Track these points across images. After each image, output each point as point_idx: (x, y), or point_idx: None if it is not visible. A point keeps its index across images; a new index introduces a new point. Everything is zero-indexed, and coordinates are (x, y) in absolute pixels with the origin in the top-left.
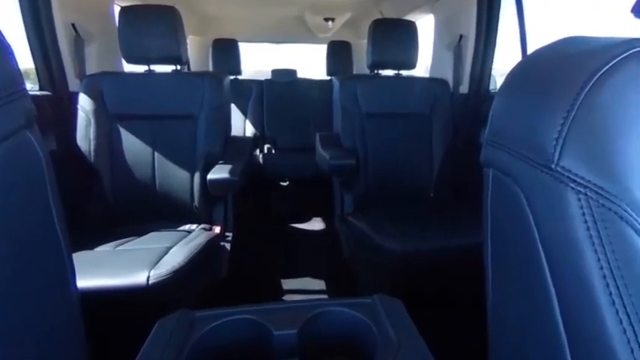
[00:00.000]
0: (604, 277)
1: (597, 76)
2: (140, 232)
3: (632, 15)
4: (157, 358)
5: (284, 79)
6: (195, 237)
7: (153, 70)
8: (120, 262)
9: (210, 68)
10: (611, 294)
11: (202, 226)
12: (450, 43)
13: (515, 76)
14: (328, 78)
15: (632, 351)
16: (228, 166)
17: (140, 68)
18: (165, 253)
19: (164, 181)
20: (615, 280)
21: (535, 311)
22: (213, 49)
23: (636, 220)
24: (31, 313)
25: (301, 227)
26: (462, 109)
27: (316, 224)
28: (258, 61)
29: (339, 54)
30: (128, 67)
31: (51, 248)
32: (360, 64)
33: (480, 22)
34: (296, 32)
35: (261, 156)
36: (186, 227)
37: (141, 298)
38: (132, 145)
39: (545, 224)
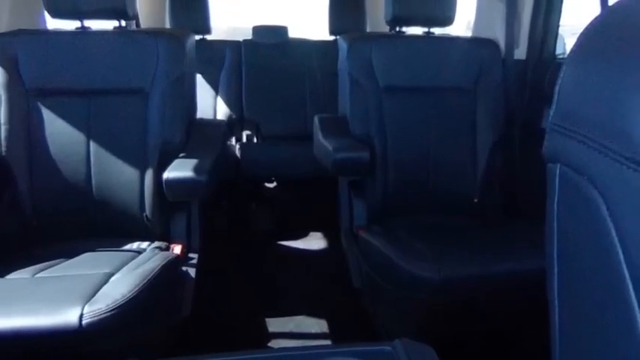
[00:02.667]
0: None
1: None
2: (69, 253)
3: None
4: None
5: (270, 39)
6: (146, 259)
7: (88, 28)
8: (41, 294)
9: (167, 25)
10: None
11: (157, 244)
12: None
13: (593, 35)
14: (332, 38)
15: None
16: (193, 161)
17: (70, 25)
18: (105, 282)
19: (103, 181)
20: None
21: (623, 350)
22: None
23: None
24: None
25: (294, 246)
26: (519, 81)
27: (315, 242)
28: (234, 14)
29: (346, 5)
30: (53, 24)
31: None
32: (377, 18)
33: None
34: None
35: (238, 147)
36: (134, 246)
37: (71, 345)
38: (58, 131)
39: (635, 242)
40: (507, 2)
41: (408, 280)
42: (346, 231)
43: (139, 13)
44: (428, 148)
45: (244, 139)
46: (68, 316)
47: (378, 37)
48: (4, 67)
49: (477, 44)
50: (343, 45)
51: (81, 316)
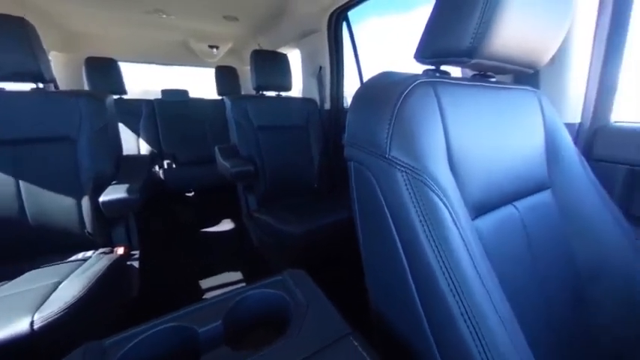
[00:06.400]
0: (421, 222)
1: (402, 98)
2: (13, 275)
3: (414, 59)
4: None
5: (175, 98)
6: (92, 264)
7: (2, 89)
8: None
9: (86, 88)
10: (425, 231)
11: (101, 250)
12: (313, 72)
13: (358, 97)
14: (220, 97)
15: (441, 267)
16: (124, 186)
17: None
18: (53, 290)
19: (39, 212)
20: (427, 223)
21: (389, 254)
22: (87, 67)
23: (432, 185)
24: None
25: (212, 230)
26: (328, 120)
27: (226, 225)
28: (146, 81)
29: (227, 77)
30: None
31: None
32: (246, 85)
33: (331, 58)
34: (183, 56)
35: (161, 171)
36: (80, 256)
37: (27, 348)
38: None
39: (387, 195)
40: (317, 79)
41: (285, 235)
42: (245, 214)
43: (58, 79)
44: (286, 160)
45: (165, 166)
46: (19, 326)
47: (250, 97)
48: None
49: (306, 101)
50: (228, 102)
51: (32, 322)
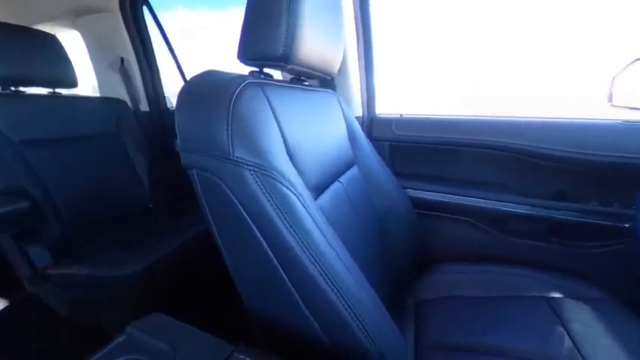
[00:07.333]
0: (277, 213)
1: (234, 98)
2: None
3: (238, 60)
4: None
5: None
6: None
7: None
8: None
9: None
10: (282, 220)
11: None
12: (112, 64)
13: (185, 96)
14: None
15: (300, 246)
16: None
17: None
18: None
19: None
20: (282, 212)
21: (255, 252)
22: None
23: (280, 178)
24: None
25: None
26: (150, 124)
27: None
28: None
29: None
30: None
31: None
32: None
33: (136, 49)
34: None
35: None
36: None
37: None
38: None
39: (241, 196)
40: (121, 73)
41: (119, 281)
42: (29, 278)
43: None
44: (96, 181)
45: None
46: None
47: None
48: None
49: (111, 102)
50: None
51: None
